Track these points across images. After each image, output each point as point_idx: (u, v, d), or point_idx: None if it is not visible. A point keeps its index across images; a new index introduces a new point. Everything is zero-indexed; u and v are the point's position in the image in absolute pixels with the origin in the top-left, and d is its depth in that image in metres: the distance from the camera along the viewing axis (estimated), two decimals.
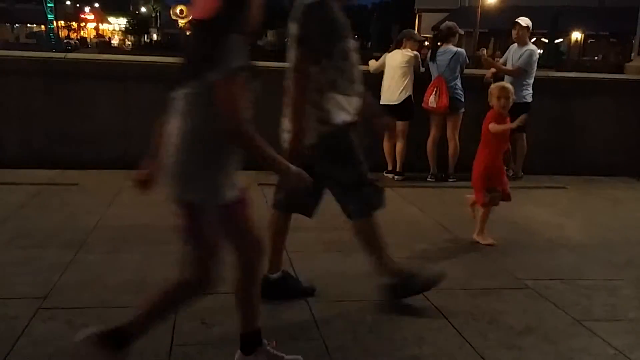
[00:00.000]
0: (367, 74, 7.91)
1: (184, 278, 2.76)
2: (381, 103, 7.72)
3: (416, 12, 56.33)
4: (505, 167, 7.98)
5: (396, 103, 7.70)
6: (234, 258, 2.90)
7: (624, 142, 8.84)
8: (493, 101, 5.31)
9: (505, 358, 3.42)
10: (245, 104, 2.60)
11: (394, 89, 7.73)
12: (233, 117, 2.55)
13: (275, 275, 4.06)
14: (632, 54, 10.47)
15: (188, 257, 2.73)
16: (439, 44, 7.87)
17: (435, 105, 7.67)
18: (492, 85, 5.50)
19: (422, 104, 7.77)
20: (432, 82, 7.75)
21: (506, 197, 5.43)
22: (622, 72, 10.80)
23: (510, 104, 5.33)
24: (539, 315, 4.01)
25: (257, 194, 6.47)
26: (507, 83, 5.85)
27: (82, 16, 79.79)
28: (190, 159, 2.65)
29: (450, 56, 7.73)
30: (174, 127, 2.68)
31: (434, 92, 7.67)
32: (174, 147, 2.66)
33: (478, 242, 5.40)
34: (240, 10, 2.65)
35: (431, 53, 7.89)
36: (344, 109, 3.74)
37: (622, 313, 4.12)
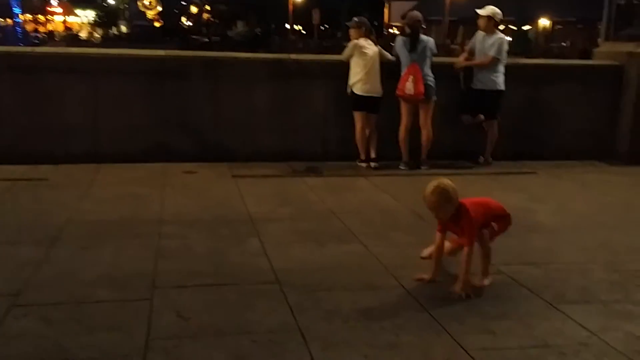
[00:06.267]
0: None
1: None
2: (363, 94, 7.71)
3: (385, 0, 56.39)
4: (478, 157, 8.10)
5: (379, 96, 7.80)
6: None
7: (593, 126, 8.93)
8: None
9: (481, 343, 3.46)
10: None
11: (374, 80, 7.77)
12: None
13: None
14: (599, 40, 10.58)
15: None
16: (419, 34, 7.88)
17: (412, 92, 7.66)
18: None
19: (397, 92, 7.74)
20: (407, 70, 7.71)
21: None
22: (589, 58, 10.93)
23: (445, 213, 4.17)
24: (513, 300, 4.06)
25: (231, 186, 6.57)
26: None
27: (49, 9, 78.54)
28: None
29: (424, 45, 7.78)
30: None
31: (410, 80, 7.65)
32: None
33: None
34: None
35: (411, 44, 7.82)
36: None
37: (595, 296, 4.19)
